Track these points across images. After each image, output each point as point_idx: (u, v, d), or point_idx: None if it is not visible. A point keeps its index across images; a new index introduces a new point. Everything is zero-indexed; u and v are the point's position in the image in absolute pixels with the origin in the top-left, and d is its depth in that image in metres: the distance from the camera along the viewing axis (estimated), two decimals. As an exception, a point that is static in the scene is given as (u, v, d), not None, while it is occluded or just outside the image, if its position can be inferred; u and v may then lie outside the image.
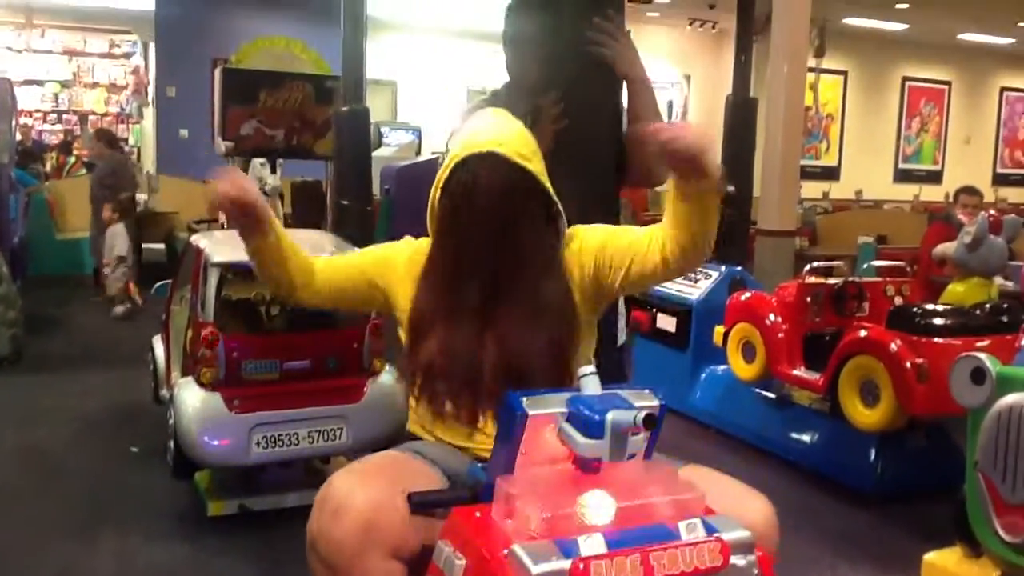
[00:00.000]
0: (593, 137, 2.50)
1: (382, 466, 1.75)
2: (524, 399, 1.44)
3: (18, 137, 12.31)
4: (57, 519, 3.64)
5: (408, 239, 2.01)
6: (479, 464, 1.55)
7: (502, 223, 1.77)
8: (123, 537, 3.50)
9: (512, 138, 1.83)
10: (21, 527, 3.57)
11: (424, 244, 1.94)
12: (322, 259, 2.06)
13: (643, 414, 1.40)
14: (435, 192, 1.84)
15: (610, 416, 1.41)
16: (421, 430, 1.93)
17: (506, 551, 1.33)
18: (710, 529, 1.40)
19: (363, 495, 1.62)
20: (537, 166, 1.82)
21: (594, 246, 1.88)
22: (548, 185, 1.83)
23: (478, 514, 1.44)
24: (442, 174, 1.83)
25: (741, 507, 1.65)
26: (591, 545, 1.31)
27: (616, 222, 2.63)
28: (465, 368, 1.77)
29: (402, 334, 1.92)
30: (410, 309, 1.88)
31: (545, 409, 1.44)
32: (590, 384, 1.50)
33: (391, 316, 2.00)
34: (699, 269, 5.72)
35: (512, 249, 1.78)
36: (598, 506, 1.37)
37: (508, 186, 1.77)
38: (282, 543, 3.34)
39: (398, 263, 1.96)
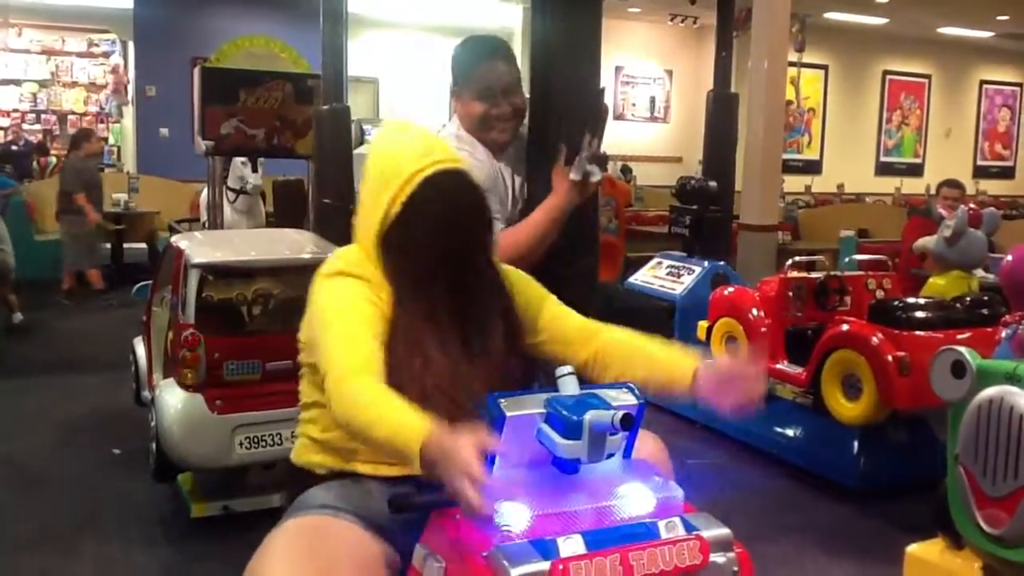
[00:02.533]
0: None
1: (308, 547, 1.54)
2: (502, 401, 1.44)
3: (10, 137, 12.26)
4: (37, 525, 3.61)
5: (342, 268, 1.75)
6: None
7: (472, 244, 1.74)
8: (104, 542, 3.47)
9: (460, 158, 1.82)
10: (0, 535, 3.53)
11: (364, 266, 1.75)
12: (367, 365, 1.63)
13: (620, 414, 1.39)
14: (390, 207, 1.72)
15: (588, 417, 1.40)
16: (322, 454, 1.75)
17: (485, 553, 1.32)
18: (689, 527, 1.40)
19: None
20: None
21: (525, 299, 1.87)
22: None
23: (458, 516, 1.43)
24: (402, 188, 1.72)
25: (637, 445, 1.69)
26: (570, 546, 1.31)
27: (596, 223, 2.65)
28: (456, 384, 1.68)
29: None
30: (391, 326, 1.70)
31: (523, 411, 1.44)
32: (568, 384, 1.50)
33: None
34: (682, 264, 5.74)
35: (473, 271, 1.76)
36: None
37: (478, 206, 1.77)
38: (266, 545, 3.32)
39: (373, 292, 1.73)
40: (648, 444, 1.81)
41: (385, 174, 1.75)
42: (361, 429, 1.52)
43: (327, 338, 1.64)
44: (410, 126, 1.83)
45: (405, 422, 1.45)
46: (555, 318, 1.88)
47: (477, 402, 1.56)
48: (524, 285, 1.90)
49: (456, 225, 1.71)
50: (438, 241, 1.70)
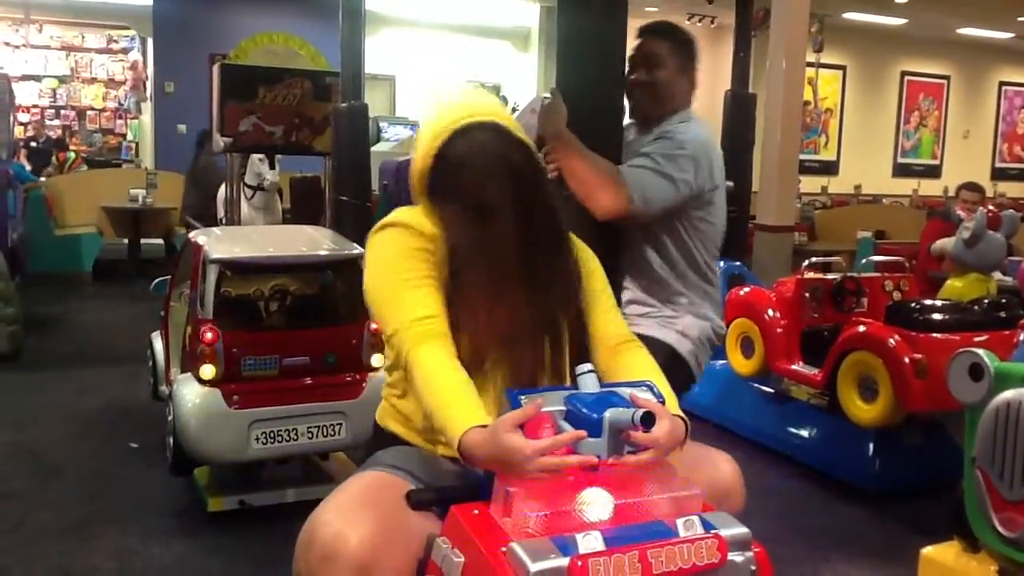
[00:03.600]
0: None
1: (368, 496, 1.60)
2: (522, 397, 1.45)
3: (30, 133, 12.35)
4: (54, 517, 3.64)
5: (391, 219, 1.80)
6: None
7: (516, 194, 1.73)
8: (121, 535, 3.49)
9: (508, 115, 1.84)
10: (18, 526, 3.56)
11: (415, 216, 1.79)
12: (434, 327, 1.66)
13: (641, 412, 1.40)
14: (426, 161, 1.79)
15: (608, 415, 1.41)
16: (402, 426, 1.81)
17: (504, 548, 1.33)
18: (708, 526, 1.41)
19: (355, 537, 1.49)
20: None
21: (585, 274, 1.85)
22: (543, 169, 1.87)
23: (477, 512, 1.44)
24: (433, 142, 1.78)
25: (711, 468, 1.77)
26: (589, 542, 1.32)
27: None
28: (517, 335, 1.68)
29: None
30: (449, 284, 1.71)
31: (543, 407, 1.45)
32: (588, 382, 1.50)
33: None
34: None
35: (532, 213, 1.75)
36: (596, 503, 1.38)
37: (515, 159, 1.75)
38: (282, 539, 3.29)
39: (423, 240, 1.74)
40: (722, 467, 1.82)
41: (424, 129, 1.82)
42: (420, 396, 1.61)
43: (377, 296, 1.72)
44: (463, 90, 1.91)
45: (451, 405, 1.53)
46: (598, 314, 1.83)
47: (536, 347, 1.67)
48: (589, 269, 1.87)
49: (484, 174, 1.72)
50: (470, 190, 1.73)
